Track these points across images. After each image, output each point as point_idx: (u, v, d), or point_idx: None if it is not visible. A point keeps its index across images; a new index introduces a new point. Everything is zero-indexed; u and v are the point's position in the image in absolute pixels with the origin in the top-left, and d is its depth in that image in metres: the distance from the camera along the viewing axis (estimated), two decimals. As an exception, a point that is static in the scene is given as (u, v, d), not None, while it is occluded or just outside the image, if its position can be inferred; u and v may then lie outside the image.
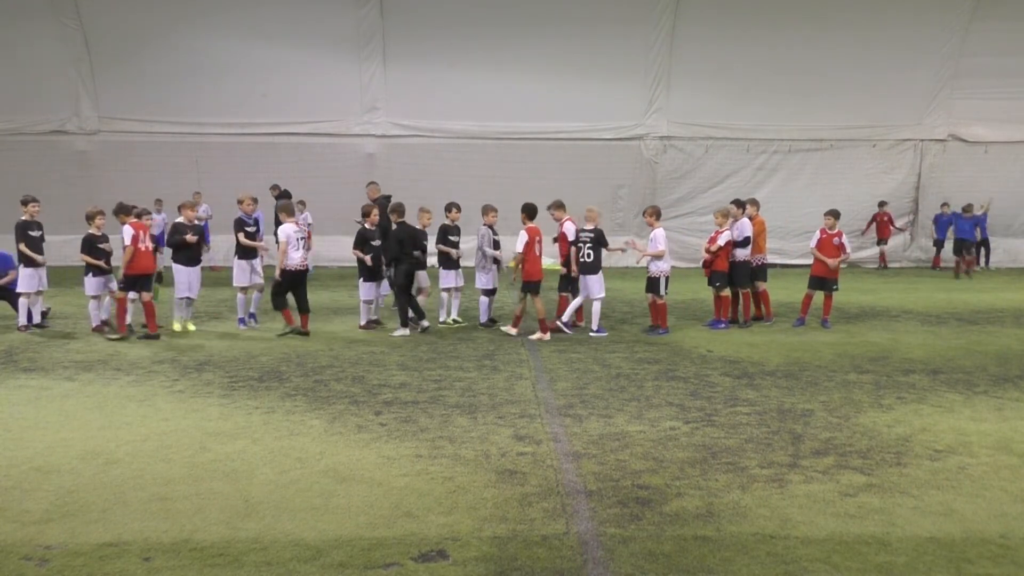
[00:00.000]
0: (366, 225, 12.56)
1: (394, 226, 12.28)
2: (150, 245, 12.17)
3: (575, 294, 12.59)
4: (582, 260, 12.31)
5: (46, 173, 21.35)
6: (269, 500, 5.83)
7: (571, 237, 12.39)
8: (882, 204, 22.66)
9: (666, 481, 6.25)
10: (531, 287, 12.16)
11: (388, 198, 14.19)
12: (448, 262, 12.95)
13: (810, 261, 13.81)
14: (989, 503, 5.88)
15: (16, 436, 7.35)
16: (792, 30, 21.80)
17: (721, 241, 12.69)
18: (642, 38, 21.94)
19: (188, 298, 12.47)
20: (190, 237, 12.22)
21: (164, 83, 21.76)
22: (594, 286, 12.30)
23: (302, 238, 12.25)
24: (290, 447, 7.03)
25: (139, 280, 12.03)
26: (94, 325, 12.48)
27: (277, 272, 12.02)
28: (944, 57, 22.34)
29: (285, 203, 12.45)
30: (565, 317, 12.52)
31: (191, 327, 12.41)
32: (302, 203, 20.14)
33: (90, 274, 12.34)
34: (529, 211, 12.32)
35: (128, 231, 11.91)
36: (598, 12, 21.68)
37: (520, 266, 12.14)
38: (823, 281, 13.28)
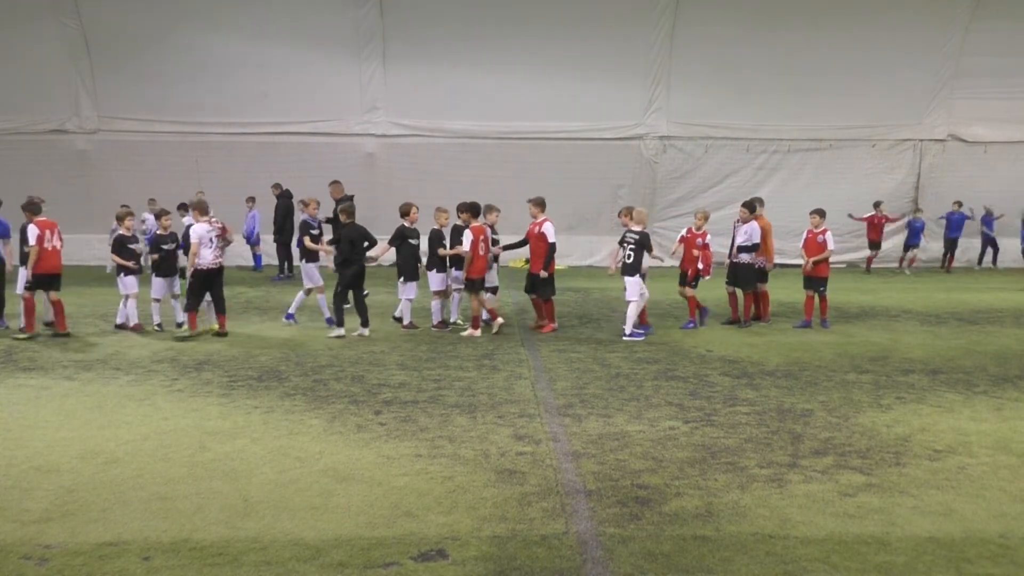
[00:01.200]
0: (406, 224, 12.55)
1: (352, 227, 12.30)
2: (58, 244, 12.07)
3: (544, 295, 12.52)
4: (625, 262, 12.22)
5: (46, 173, 21.33)
6: (268, 499, 5.84)
7: (551, 238, 12.25)
8: (877, 204, 22.16)
9: (665, 481, 6.25)
10: (473, 284, 12.18)
11: (350, 198, 14.27)
12: (460, 262, 12.91)
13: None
14: (988, 503, 5.88)
15: (16, 435, 7.35)
16: (792, 30, 21.79)
17: (709, 241, 12.85)
18: (642, 38, 21.93)
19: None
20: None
21: (164, 82, 21.77)
22: (631, 288, 12.11)
23: (216, 236, 12.07)
24: (289, 446, 7.04)
25: (48, 280, 11.94)
26: (130, 324, 12.54)
27: (188, 272, 11.95)
28: (944, 57, 22.34)
29: (197, 201, 12.32)
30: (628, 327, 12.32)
31: (193, 332, 12.34)
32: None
33: (122, 274, 12.53)
34: (472, 210, 12.33)
35: (33, 230, 11.81)
36: (598, 12, 21.67)
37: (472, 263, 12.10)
38: (810, 281, 13.26)
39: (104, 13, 21.31)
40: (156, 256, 12.67)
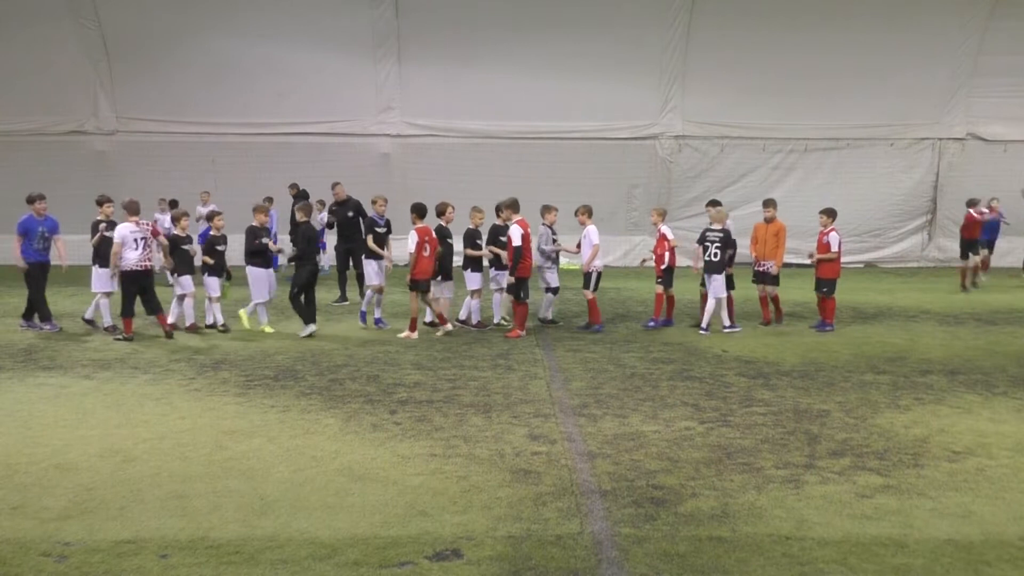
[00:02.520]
0: (442, 223, 12.58)
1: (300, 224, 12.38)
2: None
3: (525, 297, 12.34)
4: (707, 260, 12.30)
5: (65, 173, 21.52)
6: (284, 498, 5.86)
7: (515, 241, 12.00)
8: (974, 203, 19.18)
9: (681, 481, 6.23)
10: (417, 285, 12.03)
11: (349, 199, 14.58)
12: (499, 263, 12.81)
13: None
14: (1008, 505, 5.82)
15: (35, 434, 7.43)
16: (808, 29, 21.65)
17: (671, 235, 12.75)
18: (657, 37, 21.87)
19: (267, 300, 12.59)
20: (271, 244, 12.21)
21: (182, 83, 21.92)
22: (718, 286, 12.28)
23: (142, 238, 11.81)
24: (305, 445, 7.06)
25: None
26: (186, 323, 12.56)
27: (111, 274, 11.77)
28: (962, 55, 22.14)
29: (127, 202, 12.15)
30: (704, 322, 12.46)
31: (269, 328, 12.45)
32: (322, 203, 20.18)
33: (177, 274, 12.56)
34: (419, 211, 12.24)
35: None
36: (614, 11, 21.62)
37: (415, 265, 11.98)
38: (816, 281, 13.13)
39: (122, 15, 21.48)
40: (208, 257, 12.68)
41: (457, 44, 21.81)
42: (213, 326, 12.56)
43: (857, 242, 22.68)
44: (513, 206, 12.46)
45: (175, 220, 12.90)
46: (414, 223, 12.16)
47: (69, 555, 4.99)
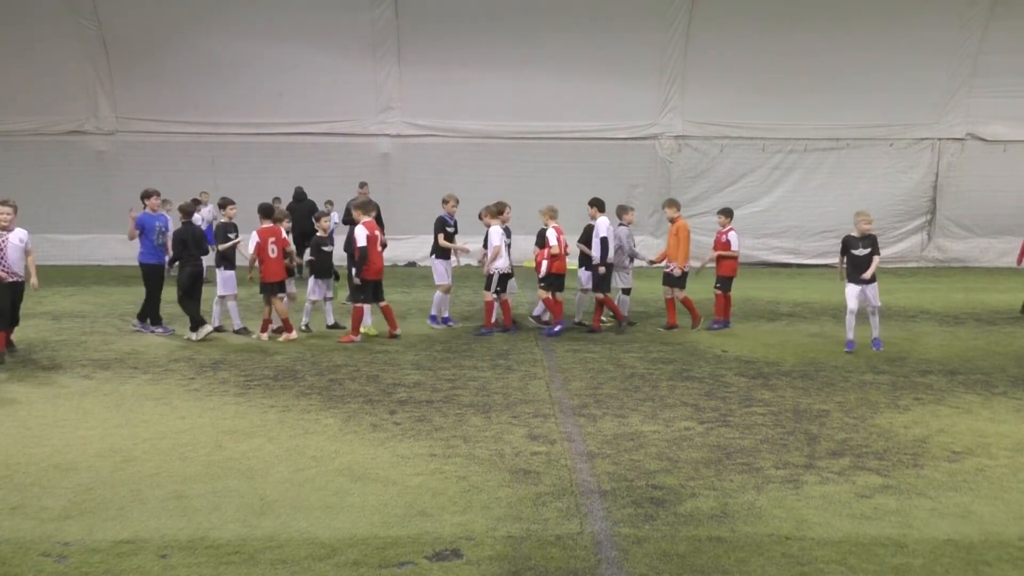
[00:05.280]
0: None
1: (179, 225, 12.25)
2: None
3: (367, 300, 12.00)
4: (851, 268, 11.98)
5: (64, 173, 21.58)
6: (284, 498, 5.86)
7: (359, 243, 11.63)
8: None
9: (680, 481, 6.23)
10: (267, 288, 11.88)
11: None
12: (588, 261, 12.66)
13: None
14: (1008, 505, 5.82)
15: (35, 434, 7.43)
16: (808, 29, 21.67)
17: (552, 241, 12.16)
18: (657, 37, 21.88)
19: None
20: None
21: (181, 83, 21.93)
22: (873, 294, 11.76)
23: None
24: (305, 446, 7.07)
25: None
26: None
27: None
28: (962, 55, 22.14)
29: None
30: (875, 331, 11.95)
31: (373, 331, 12.38)
32: (330, 203, 20.15)
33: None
34: (264, 211, 12.12)
35: None
36: (613, 11, 21.64)
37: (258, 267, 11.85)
38: (717, 279, 13.03)
39: (122, 15, 21.50)
40: (313, 258, 12.61)
41: (457, 44, 21.81)
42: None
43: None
44: (363, 207, 12.15)
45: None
46: (261, 222, 12.02)
47: (69, 555, 4.99)
